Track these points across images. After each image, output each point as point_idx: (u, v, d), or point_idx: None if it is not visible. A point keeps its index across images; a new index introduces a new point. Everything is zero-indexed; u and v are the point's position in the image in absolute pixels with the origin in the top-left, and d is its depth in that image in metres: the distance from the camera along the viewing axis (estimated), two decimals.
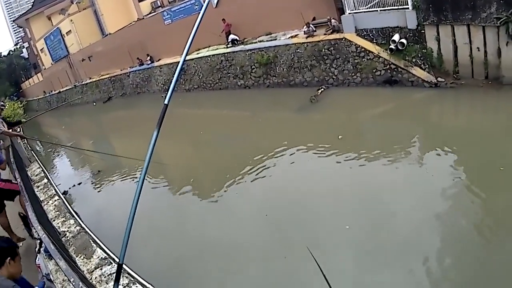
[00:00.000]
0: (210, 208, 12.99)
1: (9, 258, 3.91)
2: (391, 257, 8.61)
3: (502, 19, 14.39)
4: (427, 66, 17.28)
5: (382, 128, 15.97)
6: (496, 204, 9.40)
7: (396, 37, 17.93)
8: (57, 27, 49.76)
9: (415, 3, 17.34)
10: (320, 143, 15.05)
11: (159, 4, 42.66)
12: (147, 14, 40.18)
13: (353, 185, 11.80)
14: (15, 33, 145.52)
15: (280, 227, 10.64)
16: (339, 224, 9.99)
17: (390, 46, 18.00)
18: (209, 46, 27.56)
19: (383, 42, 18.60)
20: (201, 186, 14.84)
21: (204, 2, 23.91)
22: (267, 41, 24.27)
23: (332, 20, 20.63)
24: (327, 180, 12.47)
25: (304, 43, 21.79)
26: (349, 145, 14.24)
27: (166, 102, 3.65)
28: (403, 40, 17.74)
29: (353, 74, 19.77)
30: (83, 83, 48.10)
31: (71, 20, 47.37)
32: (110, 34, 42.88)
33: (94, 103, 43.47)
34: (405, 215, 9.73)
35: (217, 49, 27.03)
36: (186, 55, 3.95)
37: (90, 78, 46.41)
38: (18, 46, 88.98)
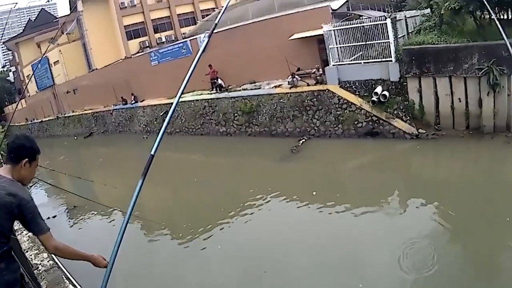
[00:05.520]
0: (186, 256, 12.43)
1: (26, 159, 3.51)
2: None
3: (483, 70, 14.57)
4: (408, 118, 17.30)
5: (363, 179, 15.79)
6: (480, 249, 9.41)
7: (378, 89, 18.02)
8: (46, 56, 48.66)
9: (398, 56, 17.55)
10: (300, 194, 14.80)
11: (148, 45, 43.16)
12: (135, 53, 40.42)
13: (334, 237, 11.49)
14: (4, 55, 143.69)
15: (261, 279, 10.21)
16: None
17: (373, 98, 18.06)
18: (193, 91, 27.38)
19: (365, 94, 18.67)
20: (178, 233, 14.15)
21: (191, 48, 24.09)
22: (251, 89, 24.30)
23: (316, 71, 20.67)
24: (307, 232, 12.13)
25: (288, 93, 21.78)
26: (329, 197, 14.01)
27: (152, 152, 3.60)
28: (386, 93, 17.81)
29: (334, 125, 19.65)
30: (66, 115, 47.34)
31: (59, 50, 47.19)
32: (96, 69, 42.79)
33: (75, 137, 42.68)
34: (386, 267, 9.51)
35: (201, 94, 26.90)
36: (178, 102, 4.06)
37: (73, 111, 45.75)
38: (5, 69, 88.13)
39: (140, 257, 12.43)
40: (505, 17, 19.47)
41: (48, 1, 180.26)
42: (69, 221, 17.75)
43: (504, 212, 10.48)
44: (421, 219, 11.29)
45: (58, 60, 48.31)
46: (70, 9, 51.92)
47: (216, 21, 4.45)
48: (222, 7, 39.67)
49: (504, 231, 10.01)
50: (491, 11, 10.43)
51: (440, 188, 13.12)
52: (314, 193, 14.64)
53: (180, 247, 13.06)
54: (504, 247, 9.47)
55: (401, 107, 17.54)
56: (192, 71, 3.87)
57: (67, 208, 18.96)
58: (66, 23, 46.73)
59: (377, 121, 18.05)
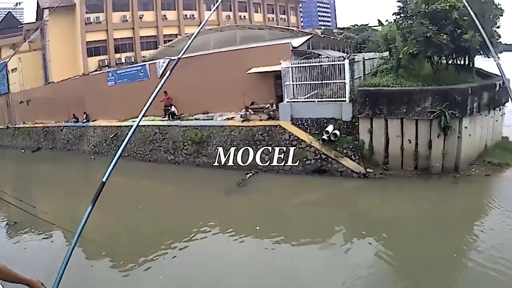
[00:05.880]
0: (126, 286, 11.91)
1: None
2: None
3: (436, 113, 14.92)
4: (357, 157, 17.32)
5: (308, 215, 15.65)
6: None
7: (329, 128, 17.99)
8: (4, 61, 46.78)
9: (353, 96, 17.61)
10: (243, 227, 14.68)
11: (107, 64, 42.18)
12: (93, 71, 39.34)
13: (274, 270, 11.41)
14: None
15: None
16: None
17: (323, 137, 18.02)
18: (146, 116, 26.67)
19: (316, 132, 18.63)
20: (120, 260, 13.27)
21: (149, 72, 23.46)
22: (203, 119, 23.99)
23: (270, 107, 20.48)
24: (247, 265, 12.07)
25: (239, 126, 21.54)
26: (271, 231, 13.84)
27: (104, 179, 3.48)
28: (337, 131, 17.82)
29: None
30: (16, 126, 45.46)
31: (19, 58, 45.26)
32: (53, 82, 41.53)
33: (23, 150, 40.98)
34: None
35: (153, 120, 26.30)
36: (137, 126, 4.02)
37: (24, 123, 44.04)
38: None
39: (78, 285, 11.53)
40: (461, 62, 20.28)
41: (16, 5, 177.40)
42: (8, 237, 16.61)
43: (449, 248, 10.75)
44: (364, 254, 11.31)
45: (16, 68, 46.43)
46: (37, 17, 50.53)
47: (183, 50, 4.39)
48: (186, 34, 39.61)
49: (450, 267, 10.17)
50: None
51: (385, 225, 13.21)
52: (257, 227, 14.28)
53: (120, 276, 12.28)
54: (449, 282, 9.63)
55: (351, 146, 17.59)
56: (155, 97, 3.87)
57: (7, 223, 17.81)
58: (30, 30, 45.54)
59: (325, 159, 17.94)
